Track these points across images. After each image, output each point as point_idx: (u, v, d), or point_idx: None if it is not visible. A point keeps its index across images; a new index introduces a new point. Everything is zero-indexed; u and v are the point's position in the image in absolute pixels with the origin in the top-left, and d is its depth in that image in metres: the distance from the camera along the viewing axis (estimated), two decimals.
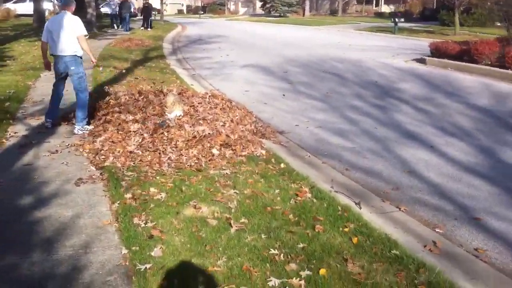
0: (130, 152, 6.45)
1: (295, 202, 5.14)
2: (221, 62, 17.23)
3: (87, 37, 8.06)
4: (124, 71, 13.80)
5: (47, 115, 8.19)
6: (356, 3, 68.61)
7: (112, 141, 6.78)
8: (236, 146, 6.76)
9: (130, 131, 6.99)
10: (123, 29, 29.13)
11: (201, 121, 7.30)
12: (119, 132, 7.06)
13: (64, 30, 7.67)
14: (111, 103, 8.37)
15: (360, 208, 5.01)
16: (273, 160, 6.62)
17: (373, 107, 10.47)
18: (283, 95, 11.58)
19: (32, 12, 29.46)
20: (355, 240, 4.36)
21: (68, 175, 6.00)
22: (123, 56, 17.04)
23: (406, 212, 5.23)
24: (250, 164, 6.40)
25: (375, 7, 64.82)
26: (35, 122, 8.49)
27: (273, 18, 56.05)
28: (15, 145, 7.14)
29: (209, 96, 8.75)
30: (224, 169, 6.13)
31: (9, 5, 39.68)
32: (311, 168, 6.56)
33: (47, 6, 33.60)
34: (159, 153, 6.40)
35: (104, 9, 42.63)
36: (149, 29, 30.89)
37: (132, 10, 33.17)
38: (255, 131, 7.81)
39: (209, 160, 6.36)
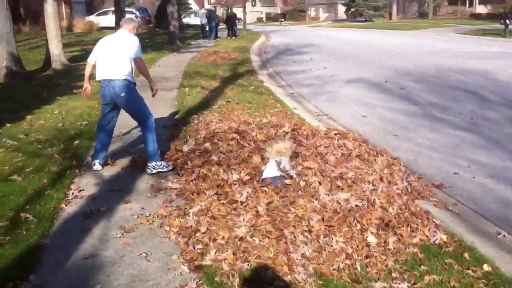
0: (240, 239, 3.99)
1: None
2: (319, 77, 14.70)
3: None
4: (213, 91, 11.53)
5: (94, 156, 6.49)
6: (447, 4, 63.77)
7: (212, 216, 4.37)
8: (401, 228, 4.13)
9: (237, 200, 4.53)
10: (211, 39, 27.73)
11: (338, 182, 4.72)
12: (220, 200, 4.66)
13: (117, 50, 5.98)
14: (205, 147, 5.99)
15: None
16: (465, 254, 4.18)
17: None
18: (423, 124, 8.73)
19: (114, 25, 28.03)
20: None
21: (147, 283, 3.86)
22: (210, 72, 14.94)
23: None
24: (432, 264, 4.02)
25: (469, 7, 59.80)
26: (108, 169, 6.51)
27: (359, 23, 52.75)
28: (77, 214, 5.01)
29: (337, 135, 6.13)
30: (396, 278, 3.79)
31: (92, 17, 39.09)
32: None
33: None
34: (286, 243, 3.87)
35: (186, 20, 41.43)
36: (233, 37, 29.29)
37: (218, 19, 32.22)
38: (409, 189, 5.12)
39: (365, 258, 3.76)
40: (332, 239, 4.10)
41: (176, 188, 5.45)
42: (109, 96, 6.12)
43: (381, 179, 5.16)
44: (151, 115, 6.27)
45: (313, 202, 4.54)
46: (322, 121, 9.18)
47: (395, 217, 4.49)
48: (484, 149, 7.43)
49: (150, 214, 4.92)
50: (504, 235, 4.68)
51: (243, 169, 5.32)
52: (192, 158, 6.01)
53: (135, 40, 5.95)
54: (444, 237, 4.31)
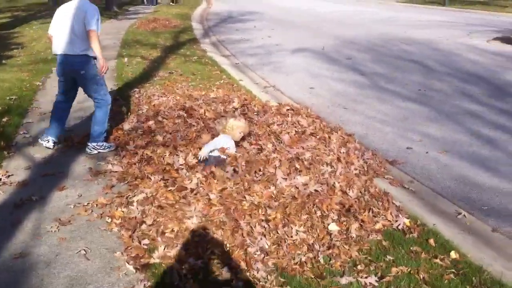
0: (192, 231, 3.60)
1: None
2: (264, 46, 14.27)
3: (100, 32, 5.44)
4: (154, 62, 10.92)
5: (47, 131, 5.82)
6: None
7: (159, 206, 3.93)
8: (363, 213, 3.87)
9: (186, 187, 4.11)
10: (151, 4, 26.57)
11: (296, 164, 4.38)
12: (168, 187, 4.22)
13: (74, 21, 5.28)
14: (149, 126, 5.49)
15: None
16: (431, 241, 3.96)
17: (501, 114, 7.75)
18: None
19: None
20: None
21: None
22: (150, 40, 14.22)
23: None
24: (397, 253, 3.79)
25: None
26: (40, 150, 5.87)
27: None
28: (5, 204, 4.48)
29: (289, 111, 5.80)
30: (361, 271, 3.51)
31: None
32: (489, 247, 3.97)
33: None
34: (242, 235, 3.51)
35: None
36: (174, 3, 28.28)
37: None
38: (365, 168, 4.87)
39: (328, 248, 3.48)
40: (292, 228, 3.78)
41: (117, 172, 4.99)
42: (66, 73, 5.51)
43: (338, 159, 4.87)
44: (109, 94, 5.73)
45: (270, 188, 4.14)
46: (269, 93, 8.82)
47: (356, 201, 4.22)
48: (435, 122, 7.30)
49: (88, 203, 4.46)
50: (464, 215, 4.52)
51: (190, 150, 4.86)
52: (134, 138, 5.53)
53: (93, 10, 5.23)
54: (407, 221, 4.09)
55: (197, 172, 4.47)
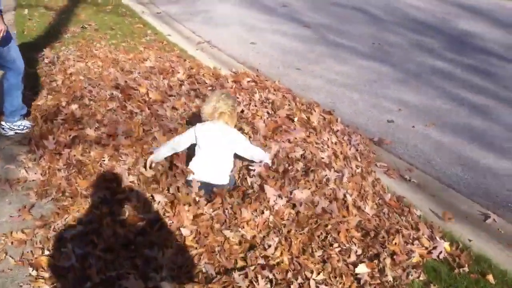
0: None
1: None
2: None
3: None
4: (61, 13, 9.06)
5: None
6: None
7: (108, 248, 2.57)
8: (391, 239, 2.81)
9: (142, 218, 2.79)
10: None
11: (288, 166, 3.19)
12: (115, 215, 2.85)
13: None
14: (73, 111, 4.14)
15: None
16: (489, 277, 3.00)
17: (472, 72, 7.02)
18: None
19: None
20: None
21: None
22: None
23: None
24: None
25: None
26: None
27: None
28: None
29: (250, 83, 4.53)
30: None
31: None
32: None
33: None
34: None
35: None
36: None
37: None
38: (359, 159, 3.79)
39: None
40: (308, 279, 2.54)
41: (35, 181, 3.51)
42: None
43: (335, 154, 3.67)
44: (21, 58, 4.26)
45: (263, 212, 2.89)
46: (206, 51, 7.43)
47: (376, 219, 3.04)
48: (405, 84, 6.35)
49: None
50: (494, 219, 3.49)
51: (140, 154, 3.47)
52: (53, 129, 4.01)
53: None
54: (447, 246, 3.07)
55: (156, 191, 3.11)
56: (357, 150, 4.16)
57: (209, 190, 3.26)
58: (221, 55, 7.34)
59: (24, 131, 4.33)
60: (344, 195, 3.23)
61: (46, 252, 2.92)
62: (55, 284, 2.68)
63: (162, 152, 3.47)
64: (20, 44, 6.82)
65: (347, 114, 5.29)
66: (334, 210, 3.06)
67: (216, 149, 3.34)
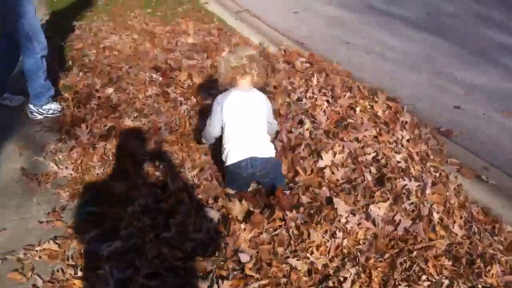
0: None
1: None
2: None
3: None
4: None
5: None
6: None
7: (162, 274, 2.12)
8: (487, 269, 2.24)
9: (194, 238, 2.31)
10: None
11: (359, 180, 2.64)
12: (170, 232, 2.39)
13: None
14: (108, 95, 3.93)
15: None
16: None
17: None
18: None
19: None
20: None
21: None
22: None
23: None
24: None
25: None
26: None
27: None
28: None
29: (305, 64, 3.98)
30: None
31: None
32: None
33: None
34: None
35: None
36: None
37: None
38: (432, 157, 3.22)
39: None
40: None
41: (66, 178, 3.11)
42: None
43: (410, 156, 3.11)
44: (41, 34, 3.69)
45: (335, 233, 2.37)
46: (246, 21, 6.84)
47: (467, 242, 2.50)
48: (470, 62, 5.69)
49: (23, 254, 2.51)
50: None
51: (187, 154, 2.99)
52: (85, 114, 3.54)
53: None
54: None
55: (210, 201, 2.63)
56: (428, 146, 3.57)
57: (256, 172, 2.75)
58: (262, 26, 6.75)
59: (54, 115, 3.89)
60: (430, 212, 2.67)
61: (79, 273, 2.44)
62: None
63: (211, 140, 2.96)
64: (48, 13, 6.32)
65: (406, 98, 4.68)
66: (420, 232, 2.55)
67: (251, 120, 2.83)
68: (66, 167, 3.25)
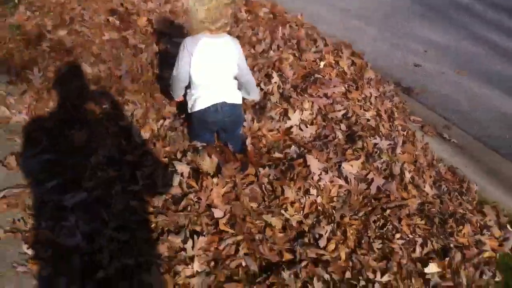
0: None
1: None
2: None
3: None
4: None
5: None
6: None
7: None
8: (458, 229, 2.35)
9: (169, 192, 2.23)
10: None
11: (331, 137, 2.65)
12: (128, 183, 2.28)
13: None
14: (60, 38, 3.63)
15: None
16: None
17: (499, 11, 6.36)
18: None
19: None
20: None
21: None
22: None
23: None
24: None
25: None
26: None
27: None
28: None
29: (267, 14, 3.89)
30: None
31: None
32: None
33: None
34: None
35: None
36: None
37: None
38: (396, 114, 3.28)
39: None
40: (373, 281, 2.04)
41: (20, 123, 2.92)
42: None
43: (378, 113, 3.10)
44: None
45: (309, 190, 2.36)
46: None
47: (436, 200, 2.55)
48: (428, 20, 5.76)
49: None
50: None
51: (150, 102, 2.87)
52: (37, 57, 3.33)
53: None
54: None
55: (179, 155, 2.52)
56: (393, 103, 3.57)
57: (225, 118, 2.66)
58: None
59: None
60: (401, 171, 2.67)
61: (43, 224, 2.29)
62: (57, 269, 2.09)
63: (178, 91, 2.80)
64: None
65: (367, 54, 4.63)
66: (392, 190, 2.54)
67: (221, 67, 2.68)
68: (19, 112, 3.01)
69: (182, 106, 2.90)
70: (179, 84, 2.70)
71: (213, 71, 2.58)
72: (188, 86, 2.71)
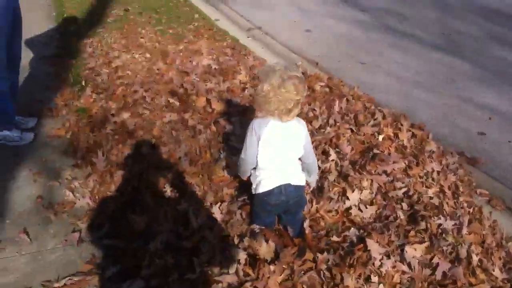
0: None
1: None
2: None
3: None
4: None
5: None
6: None
7: None
8: None
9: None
10: None
11: (392, 218, 2.50)
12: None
13: None
14: (124, 120, 3.85)
15: None
16: None
17: None
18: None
19: None
20: None
21: None
22: None
23: None
24: None
25: None
26: None
27: None
28: None
29: (324, 88, 3.87)
30: None
31: None
32: None
33: None
34: None
35: None
36: None
37: None
38: (461, 189, 3.11)
39: None
40: None
41: (83, 208, 2.89)
42: None
43: (442, 190, 2.97)
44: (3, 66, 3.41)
45: (370, 277, 2.23)
46: (258, 39, 6.75)
47: (506, 284, 2.36)
48: (489, 85, 5.57)
49: None
50: None
51: (209, 187, 2.83)
52: (101, 140, 3.42)
53: None
54: None
55: (236, 240, 2.49)
56: (457, 177, 3.43)
57: (290, 200, 2.59)
58: (275, 45, 6.65)
59: (11, 143, 3.72)
60: (468, 254, 2.52)
61: None
62: None
63: (247, 172, 2.79)
64: (59, 28, 6.22)
65: (426, 122, 4.53)
66: (459, 276, 2.39)
67: (287, 150, 2.62)
68: (83, 196, 3.10)
69: (241, 188, 2.90)
70: (247, 166, 2.70)
71: (280, 153, 2.58)
72: (253, 167, 2.71)
